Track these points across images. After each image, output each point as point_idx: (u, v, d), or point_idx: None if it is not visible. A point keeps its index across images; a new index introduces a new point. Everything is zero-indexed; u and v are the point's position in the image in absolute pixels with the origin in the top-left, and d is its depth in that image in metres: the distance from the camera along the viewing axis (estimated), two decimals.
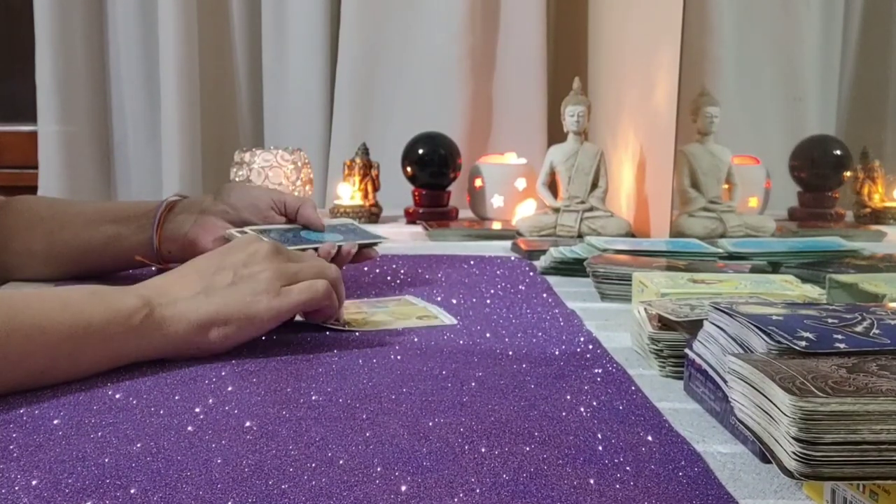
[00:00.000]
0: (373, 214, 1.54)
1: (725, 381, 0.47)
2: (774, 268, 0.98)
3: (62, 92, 1.86)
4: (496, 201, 1.53)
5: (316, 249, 0.87)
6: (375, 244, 0.93)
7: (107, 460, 0.45)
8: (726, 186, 1.31)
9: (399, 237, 1.38)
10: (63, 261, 0.92)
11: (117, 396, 0.56)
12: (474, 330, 0.75)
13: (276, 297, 0.66)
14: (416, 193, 1.57)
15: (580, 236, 1.30)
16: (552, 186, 1.39)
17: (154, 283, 0.66)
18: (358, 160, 1.56)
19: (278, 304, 0.66)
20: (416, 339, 0.71)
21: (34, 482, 0.42)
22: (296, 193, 1.49)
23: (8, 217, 0.93)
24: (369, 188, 1.55)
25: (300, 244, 0.88)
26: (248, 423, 0.51)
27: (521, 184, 1.53)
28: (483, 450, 0.47)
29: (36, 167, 1.89)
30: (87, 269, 0.93)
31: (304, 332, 0.73)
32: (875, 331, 0.48)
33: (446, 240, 1.35)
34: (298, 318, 0.75)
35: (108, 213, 0.93)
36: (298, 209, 0.92)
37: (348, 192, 1.54)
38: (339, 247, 0.89)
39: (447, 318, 0.78)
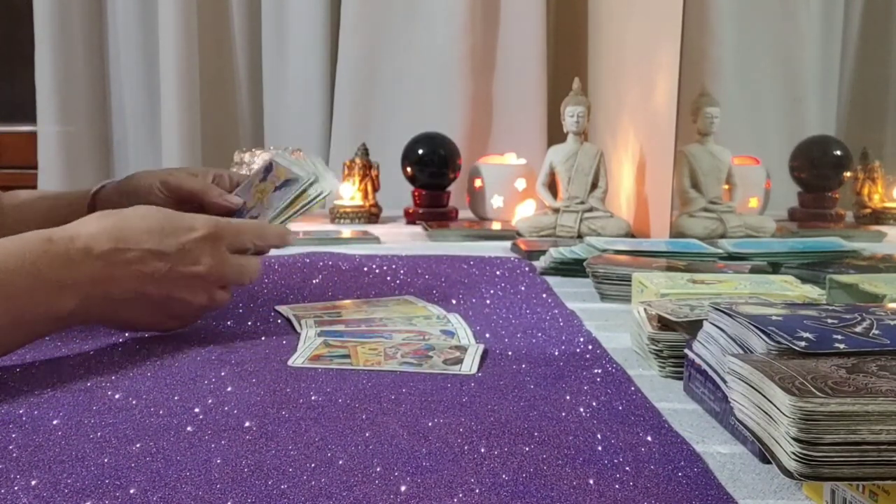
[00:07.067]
0: (372, 215, 1.54)
1: (725, 382, 0.47)
2: (774, 268, 0.98)
3: (62, 92, 1.86)
4: (496, 202, 1.53)
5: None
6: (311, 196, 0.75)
7: (106, 460, 0.45)
8: (726, 187, 1.31)
9: (399, 237, 1.38)
10: None
11: (117, 396, 0.56)
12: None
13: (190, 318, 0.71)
14: (416, 194, 1.57)
15: (580, 237, 1.30)
16: (552, 187, 1.39)
17: (92, 273, 0.62)
18: (358, 160, 1.56)
19: (183, 325, 0.71)
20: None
21: (33, 482, 0.42)
22: None
23: None
24: (369, 188, 1.55)
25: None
26: (247, 424, 0.51)
27: (520, 184, 1.53)
28: (482, 450, 0.47)
29: (36, 167, 1.89)
30: None
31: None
32: (875, 331, 0.48)
33: (446, 240, 1.35)
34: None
35: (46, 195, 0.95)
36: (204, 200, 0.82)
37: (349, 193, 1.54)
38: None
39: (455, 323, 0.78)
